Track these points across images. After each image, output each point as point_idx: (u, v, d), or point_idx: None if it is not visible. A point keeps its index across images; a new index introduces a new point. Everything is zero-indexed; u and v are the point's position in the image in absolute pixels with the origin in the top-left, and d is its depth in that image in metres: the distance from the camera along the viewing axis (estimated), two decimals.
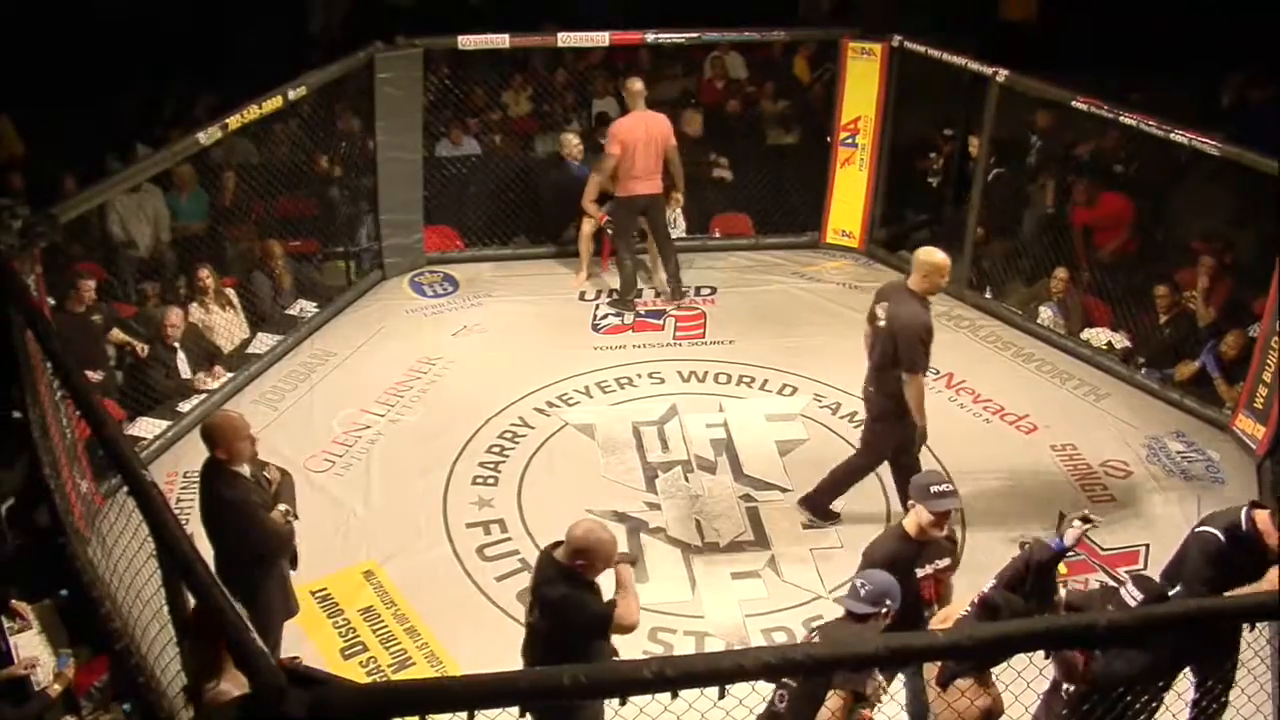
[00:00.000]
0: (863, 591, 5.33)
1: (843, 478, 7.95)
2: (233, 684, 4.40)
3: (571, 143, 10.95)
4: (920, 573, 5.94)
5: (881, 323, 7.40)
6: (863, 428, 8.00)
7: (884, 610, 5.29)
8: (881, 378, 7.49)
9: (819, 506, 8.00)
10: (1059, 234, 10.52)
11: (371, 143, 10.40)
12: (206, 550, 5.63)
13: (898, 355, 7.31)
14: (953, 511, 6.07)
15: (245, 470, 6.02)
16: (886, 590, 5.32)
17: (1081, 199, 10.74)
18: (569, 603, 5.29)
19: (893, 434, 7.61)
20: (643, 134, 10.02)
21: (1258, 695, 5.68)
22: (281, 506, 6.15)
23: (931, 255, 7.39)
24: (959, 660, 5.20)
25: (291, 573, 6.39)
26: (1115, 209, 10.73)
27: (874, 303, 7.59)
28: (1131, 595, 5.39)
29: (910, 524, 5.96)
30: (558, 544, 5.47)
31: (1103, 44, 12.86)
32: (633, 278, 10.52)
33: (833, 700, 5.08)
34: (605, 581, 5.47)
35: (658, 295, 10.73)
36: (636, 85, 10.24)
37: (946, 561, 6.03)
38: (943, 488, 5.96)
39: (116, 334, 8.76)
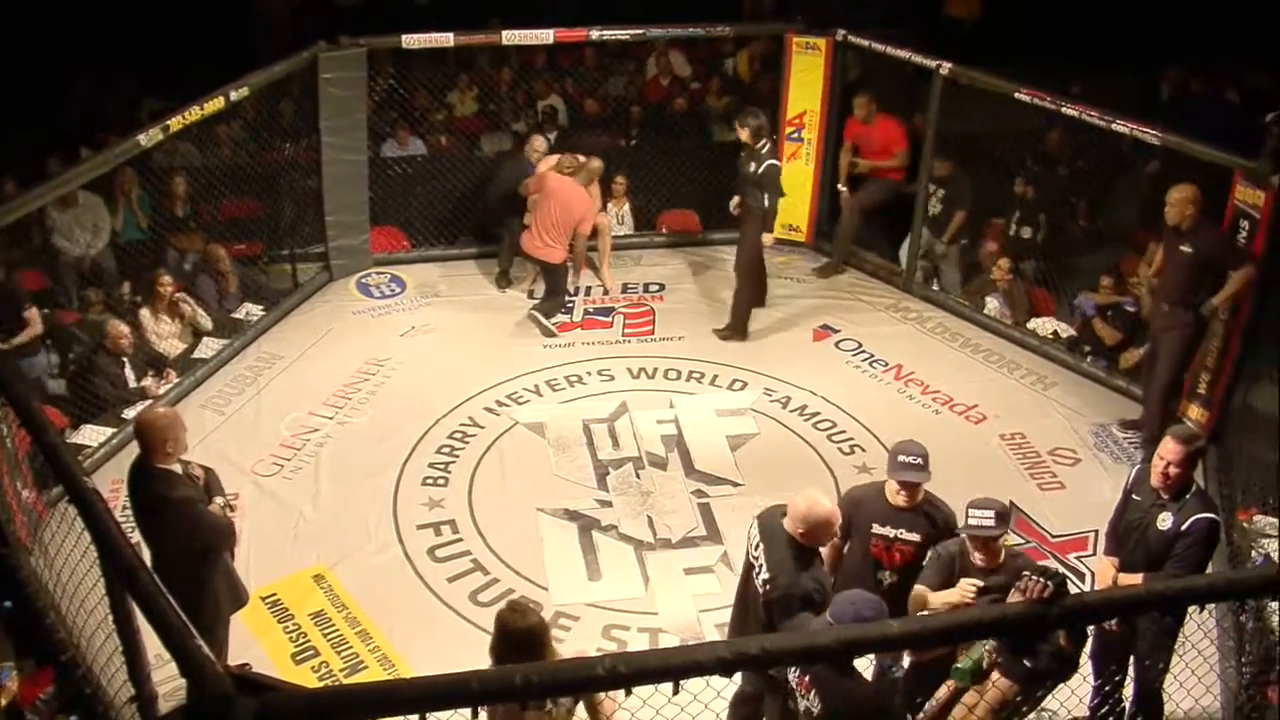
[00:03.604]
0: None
1: (1167, 395, 8.54)
2: None
3: (538, 143, 10.88)
4: (877, 530, 6.00)
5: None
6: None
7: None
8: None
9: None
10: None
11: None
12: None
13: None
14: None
15: (177, 468, 6.00)
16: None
17: (860, 114, 10.83)
18: (790, 570, 5.37)
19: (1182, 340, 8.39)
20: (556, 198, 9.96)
21: (1208, 675, 5.73)
22: (219, 499, 6.15)
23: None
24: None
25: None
26: (887, 133, 10.84)
27: None
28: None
29: (889, 485, 6.04)
30: (779, 507, 5.57)
31: (1045, 40, 12.95)
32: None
33: None
34: None
35: (605, 293, 10.73)
36: (595, 163, 10.28)
37: (915, 536, 6.00)
38: (909, 460, 5.94)
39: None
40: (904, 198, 10.93)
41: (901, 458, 5.96)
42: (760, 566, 5.48)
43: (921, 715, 5.76)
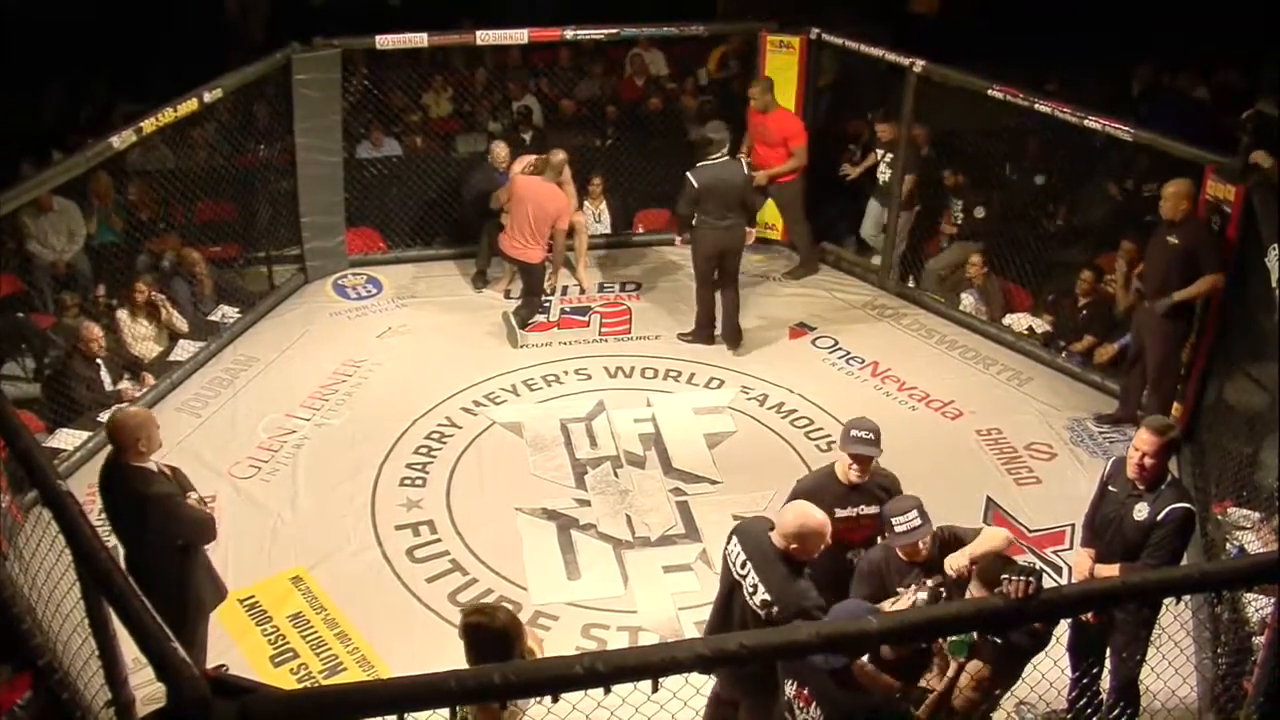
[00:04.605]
0: None
1: (1166, 380, 8.59)
2: None
3: (499, 151, 10.85)
4: (841, 513, 6.03)
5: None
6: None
7: None
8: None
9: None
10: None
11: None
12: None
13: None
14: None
15: (151, 465, 6.02)
16: None
17: (756, 103, 10.60)
18: (794, 590, 5.30)
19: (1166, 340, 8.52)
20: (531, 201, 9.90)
21: (1185, 667, 5.77)
22: (192, 495, 6.18)
23: None
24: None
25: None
26: (784, 125, 10.60)
27: None
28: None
29: (839, 465, 6.09)
30: (761, 519, 5.57)
31: (1004, 35, 13.00)
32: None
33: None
34: None
35: (581, 292, 10.73)
36: (558, 156, 10.14)
37: (874, 510, 6.06)
38: (862, 434, 6.02)
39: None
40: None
41: (855, 432, 6.05)
42: (755, 588, 5.37)
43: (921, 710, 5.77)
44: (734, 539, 5.57)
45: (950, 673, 5.62)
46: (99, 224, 10.33)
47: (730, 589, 5.56)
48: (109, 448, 6.11)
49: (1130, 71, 13.12)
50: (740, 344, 9.89)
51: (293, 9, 14.54)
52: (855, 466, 6.03)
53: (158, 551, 5.94)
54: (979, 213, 10.71)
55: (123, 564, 6.03)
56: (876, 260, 11.09)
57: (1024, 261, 10.31)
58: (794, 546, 5.33)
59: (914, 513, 5.70)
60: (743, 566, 5.44)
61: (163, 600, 5.78)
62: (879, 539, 6.10)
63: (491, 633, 4.71)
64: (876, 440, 6.04)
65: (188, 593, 6.06)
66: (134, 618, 3.61)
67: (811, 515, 5.38)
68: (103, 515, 6.35)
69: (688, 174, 9.51)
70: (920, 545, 5.73)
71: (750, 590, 5.38)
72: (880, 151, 10.91)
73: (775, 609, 5.27)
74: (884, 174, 10.92)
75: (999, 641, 5.48)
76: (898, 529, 5.70)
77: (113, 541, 6.21)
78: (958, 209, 10.82)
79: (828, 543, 5.50)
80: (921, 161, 10.77)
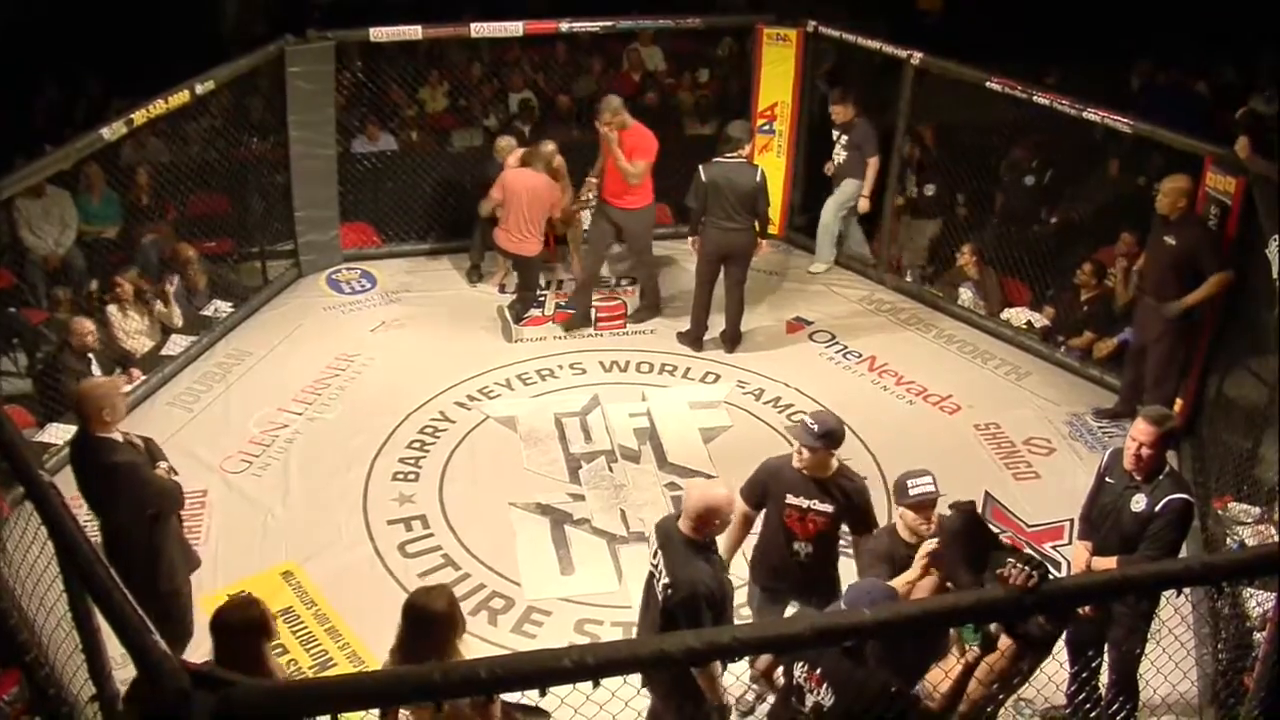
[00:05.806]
0: None
1: (1169, 377, 8.46)
2: None
3: (504, 145, 10.76)
4: (791, 500, 5.99)
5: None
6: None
7: None
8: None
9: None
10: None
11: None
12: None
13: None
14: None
15: (118, 435, 6.02)
16: None
17: (615, 121, 9.77)
18: (689, 572, 5.28)
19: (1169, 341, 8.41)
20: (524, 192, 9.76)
21: (1185, 661, 5.71)
22: (162, 464, 6.21)
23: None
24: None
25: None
26: (635, 141, 9.72)
27: None
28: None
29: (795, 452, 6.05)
30: (676, 515, 5.53)
31: (1008, 34, 12.96)
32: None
33: None
34: None
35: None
36: (548, 147, 10.05)
37: (827, 508, 5.97)
38: (808, 422, 5.98)
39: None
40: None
41: (804, 418, 6.08)
42: (660, 573, 5.39)
43: (930, 700, 5.68)
44: (653, 534, 5.60)
45: (965, 661, 5.53)
46: (103, 201, 10.26)
47: (649, 580, 5.58)
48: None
49: (1130, 68, 13.08)
50: (737, 349, 9.80)
51: (296, 8, 14.46)
52: (797, 453, 5.97)
53: (129, 523, 5.98)
54: (929, 190, 10.68)
55: (99, 535, 6.06)
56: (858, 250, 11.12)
57: (1022, 255, 10.25)
58: (694, 526, 5.33)
59: (928, 477, 5.63)
60: (655, 555, 5.47)
61: (138, 568, 5.80)
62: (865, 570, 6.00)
63: (419, 610, 4.81)
64: (821, 434, 5.89)
65: (161, 563, 6.11)
66: (115, 610, 3.54)
67: (711, 491, 5.39)
68: (90, 515, 6.31)
69: (699, 167, 9.42)
70: (932, 518, 5.62)
71: (658, 577, 5.41)
72: (835, 134, 10.81)
73: (670, 590, 5.27)
74: (839, 155, 10.81)
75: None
76: (911, 491, 5.61)
77: (90, 520, 6.21)
78: (910, 183, 10.76)
79: (727, 520, 5.49)
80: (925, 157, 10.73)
